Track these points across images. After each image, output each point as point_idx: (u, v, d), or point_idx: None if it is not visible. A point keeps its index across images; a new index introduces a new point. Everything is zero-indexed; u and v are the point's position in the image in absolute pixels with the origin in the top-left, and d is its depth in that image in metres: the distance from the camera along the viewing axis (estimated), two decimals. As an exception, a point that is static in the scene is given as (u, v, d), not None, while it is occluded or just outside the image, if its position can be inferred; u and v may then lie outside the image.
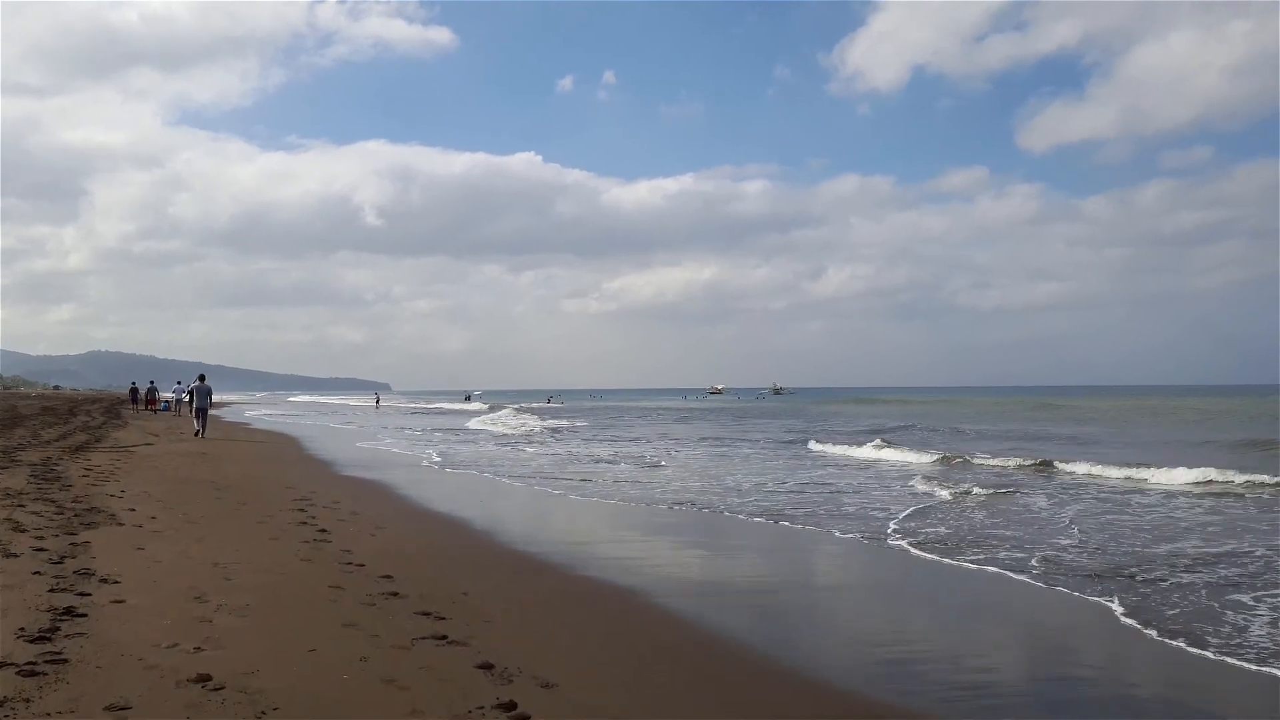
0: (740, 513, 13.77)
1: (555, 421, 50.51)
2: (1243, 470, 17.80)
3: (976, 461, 22.88)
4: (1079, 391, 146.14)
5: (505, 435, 36.63)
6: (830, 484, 17.80)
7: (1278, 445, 26.15)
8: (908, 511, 13.71)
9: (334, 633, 6.05)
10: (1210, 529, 12.15)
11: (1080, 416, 52.29)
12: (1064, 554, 10.27)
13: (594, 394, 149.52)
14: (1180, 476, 17.51)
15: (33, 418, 33.99)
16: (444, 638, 6.05)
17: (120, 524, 10.00)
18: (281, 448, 27.19)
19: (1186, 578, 8.95)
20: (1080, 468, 20.26)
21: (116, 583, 7.03)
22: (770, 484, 17.77)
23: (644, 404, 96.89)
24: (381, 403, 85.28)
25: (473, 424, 45.78)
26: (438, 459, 23.73)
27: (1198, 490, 16.37)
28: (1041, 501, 14.98)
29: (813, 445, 29.55)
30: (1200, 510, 13.98)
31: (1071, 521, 12.72)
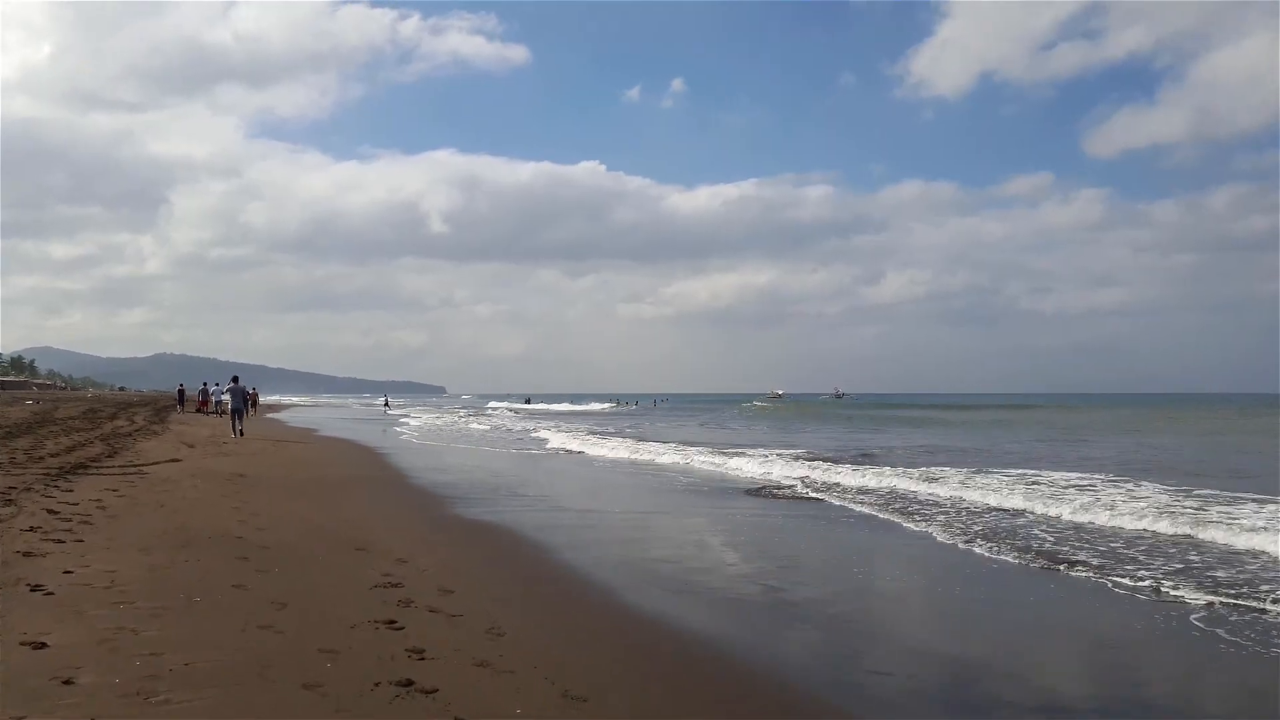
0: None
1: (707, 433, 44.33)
2: None
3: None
4: (1148, 400, 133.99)
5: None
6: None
7: None
8: None
9: None
10: None
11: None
12: None
13: (658, 399, 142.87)
14: None
15: (56, 423, 28.89)
16: None
17: (-27, 712, 4.04)
18: (344, 463, 21.38)
19: None
20: None
21: None
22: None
23: (732, 409, 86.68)
24: (390, 405, 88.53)
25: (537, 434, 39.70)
26: (561, 482, 17.69)
27: None
28: None
29: None
30: None
31: None
